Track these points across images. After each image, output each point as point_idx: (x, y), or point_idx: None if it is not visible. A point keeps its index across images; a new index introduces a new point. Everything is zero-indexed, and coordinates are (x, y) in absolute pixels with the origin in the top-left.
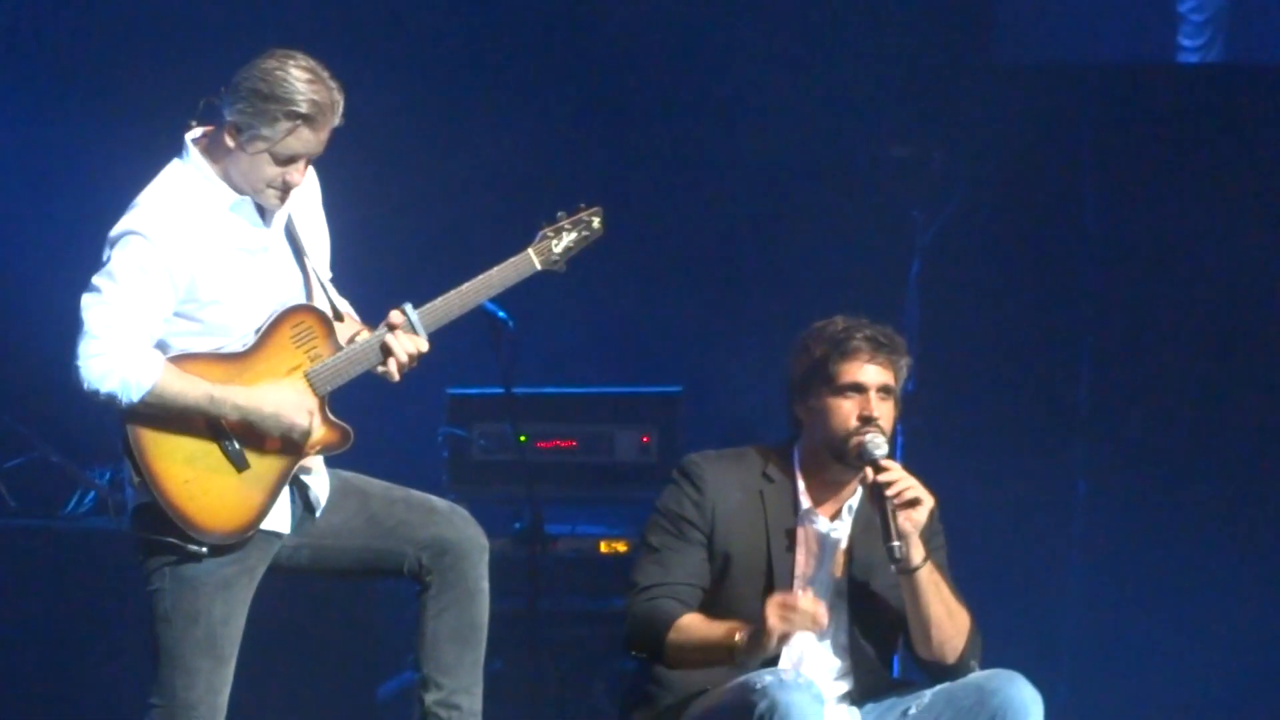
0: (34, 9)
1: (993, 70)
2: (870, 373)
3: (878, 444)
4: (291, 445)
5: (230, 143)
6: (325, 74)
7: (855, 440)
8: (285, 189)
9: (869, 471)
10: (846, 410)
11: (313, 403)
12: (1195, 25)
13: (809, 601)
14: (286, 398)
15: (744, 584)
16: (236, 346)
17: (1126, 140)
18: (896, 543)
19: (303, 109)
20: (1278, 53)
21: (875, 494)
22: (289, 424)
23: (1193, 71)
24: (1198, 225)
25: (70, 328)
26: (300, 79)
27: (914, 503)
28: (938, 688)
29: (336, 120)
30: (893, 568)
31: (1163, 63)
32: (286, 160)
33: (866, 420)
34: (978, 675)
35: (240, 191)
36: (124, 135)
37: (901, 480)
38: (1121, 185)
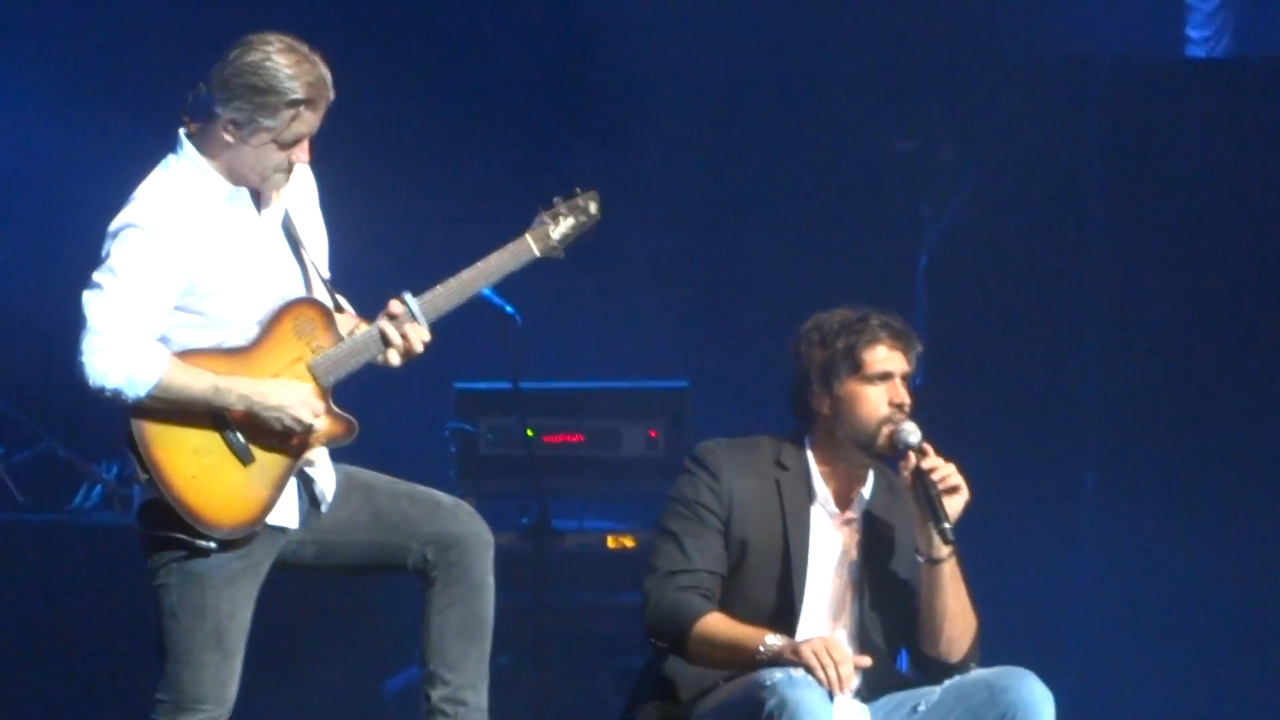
0: (37, 8)
1: (1000, 63)
2: (895, 360)
3: (912, 429)
4: (296, 439)
5: (230, 138)
6: (306, 51)
7: (888, 428)
8: (291, 169)
9: (911, 457)
10: (876, 398)
11: (318, 402)
12: (1204, 15)
13: (850, 662)
14: (292, 393)
15: (759, 571)
16: (239, 340)
17: (1134, 134)
18: (948, 524)
19: (302, 94)
20: None
21: (917, 480)
22: (293, 419)
23: (1200, 65)
24: (1206, 218)
25: (76, 320)
26: (290, 65)
27: (954, 490)
28: (947, 684)
29: (331, 94)
30: (945, 550)
31: (1170, 56)
32: (291, 144)
33: (898, 407)
34: (988, 672)
35: (240, 182)
36: (126, 129)
37: (943, 466)
38: (1129, 179)
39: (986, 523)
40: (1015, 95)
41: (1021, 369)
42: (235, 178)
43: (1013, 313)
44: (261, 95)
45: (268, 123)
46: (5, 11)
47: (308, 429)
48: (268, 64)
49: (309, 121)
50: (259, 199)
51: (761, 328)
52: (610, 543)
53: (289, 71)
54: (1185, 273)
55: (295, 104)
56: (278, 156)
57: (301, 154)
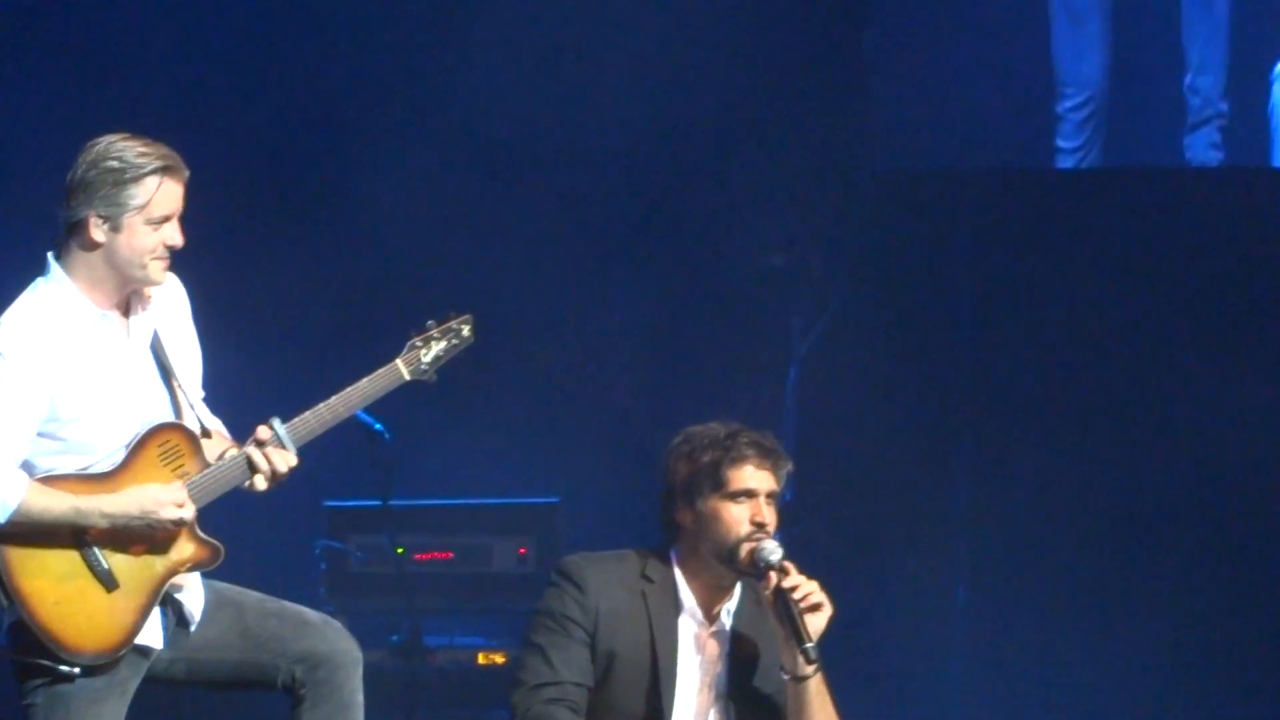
0: None
1: (871, 177)
2: (760, 478)
3: (773, 548)
4: (162, 557)
5: (100, 236)
6: (147, 138)
7: (748, 546)
8: (167, 256)
9: (772, 576)
10: (737, 515)
11: (179, 493)
12: (1074, 125)
13: None
14: (150, 495)
15: (628, 683)
16: (104, 466)
17: (1004, 244)
18: (810, 644)
19: (161, 162)
20: (1154, 154)
21: (779, 598)
22: (158, 521)
23: (1070, 176)
24: (1075, 329)
25: None
26: (139, 144)
27: (816, 607)
28: None
29: (186, 171)
30: (808, 669)
31: (1039, 167)
32: (161, 220)
33: (759, 525)
34: None
35: (121, 285)
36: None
37: (805, 584)
38: (999, 290)
39: (859, 634)
40: (886, 208)
41: (892, 482)
42: (114, 282)
43: (883, 426)
44: (120, 174)
45: (136, 200)
46: None
47: (177, 522)
48: (116, 146)
49: (171, 193)
50: (129, 315)
51: (631, 443)
52: (481, 659)
53: (140, 149)
54: (1056, 384)
55: (156, 172)
56: (151, 239)
57: (174, 235)
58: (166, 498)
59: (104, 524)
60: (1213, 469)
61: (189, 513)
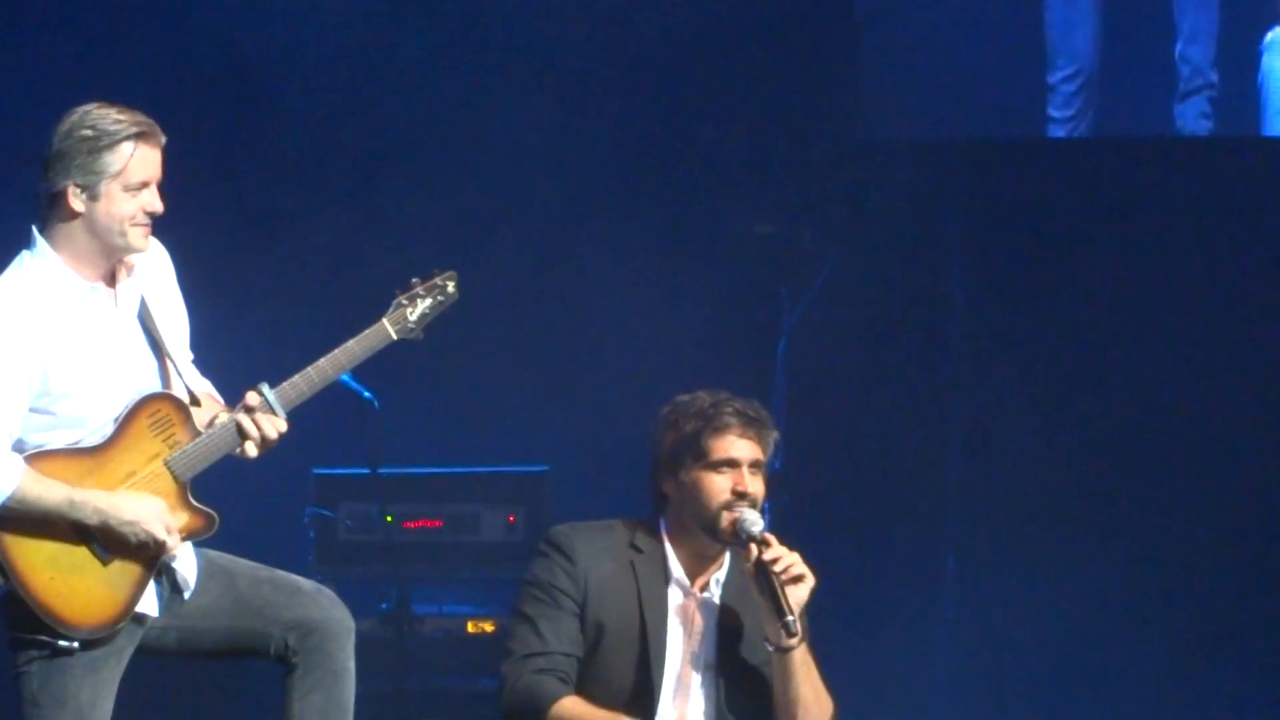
0: None
1: (861, 147)
2: (742, 447)
3: (754, 519)
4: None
5: (79, 206)
6: (121, 105)
7: (729, 516)
8: (148, 222)
9: (753, 548)
10: (719, 485)
11: (171, 517)
12: (1065, 95)
13: None
14: (146, 508)
15: (617, 653)
16: (94, 439)
17: (994, 216)
18: (791, 617)
19: (136, 128)
20: (1146, 124)
21: (760, 570)
22: (146, 535)
23: (1060, 146)
24: (1065, 298)
25: None
26: (113, 111)
27: (798, 579)
28: None
29: (163, 137)
30: (791, 641)
31: (1030, 138)
32: (139, 187)
33: (740, 496)
34: None
35: (103, 255)
36: None
37: (786, 556)
38: (989, 260)
39: (849, 605)
40: (876, 179)
41: (882, 452)
42: (97, 252)
43: (872, 396)
44: (95, 141)
45: (112, 166)
46: None
47: (161, 545)
48: (90, 116)
49: (148, 159)
50: (115, 285)
51: (620, 412)
52: (470, 628)
53: (114, 115)
54: (1046, 355)
55: (131, 138)
56: (130, 205)
57: (153, 200)
58: (159, 515)
59: (96, 519)
60: (1205, 440)
61: (175, 541)
